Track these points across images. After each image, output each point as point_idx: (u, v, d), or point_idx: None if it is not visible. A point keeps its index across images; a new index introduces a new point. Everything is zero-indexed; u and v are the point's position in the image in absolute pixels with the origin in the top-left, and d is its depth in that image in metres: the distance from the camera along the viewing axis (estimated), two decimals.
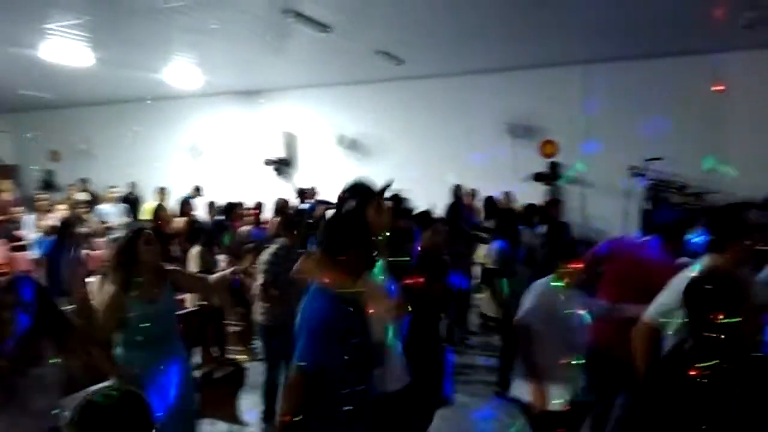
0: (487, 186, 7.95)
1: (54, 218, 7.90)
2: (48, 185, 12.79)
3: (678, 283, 2.41)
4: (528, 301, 2.98)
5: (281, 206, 8.99)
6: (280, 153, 11.02)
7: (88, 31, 6.83)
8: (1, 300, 2.43)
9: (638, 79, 8.44)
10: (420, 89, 9.86)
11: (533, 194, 7.80)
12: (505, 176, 8.90)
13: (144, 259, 3.04)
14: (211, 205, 9.01)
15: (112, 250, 3.17)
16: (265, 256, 4.27)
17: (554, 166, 9.09)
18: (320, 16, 6.12)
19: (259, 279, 4.24)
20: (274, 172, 11.03)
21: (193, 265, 5.55)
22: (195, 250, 5.72)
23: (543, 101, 9.00)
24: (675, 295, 2.22)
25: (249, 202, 8.61)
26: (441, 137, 9.77)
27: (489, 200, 7.09)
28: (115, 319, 2.96)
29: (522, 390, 2.97)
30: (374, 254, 2.27)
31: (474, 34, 7.13)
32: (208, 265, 5.49)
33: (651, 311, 2.55)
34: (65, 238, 5.95)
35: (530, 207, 6.37)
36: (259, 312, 4.39)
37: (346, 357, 2.07)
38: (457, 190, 7.60)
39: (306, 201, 9.55)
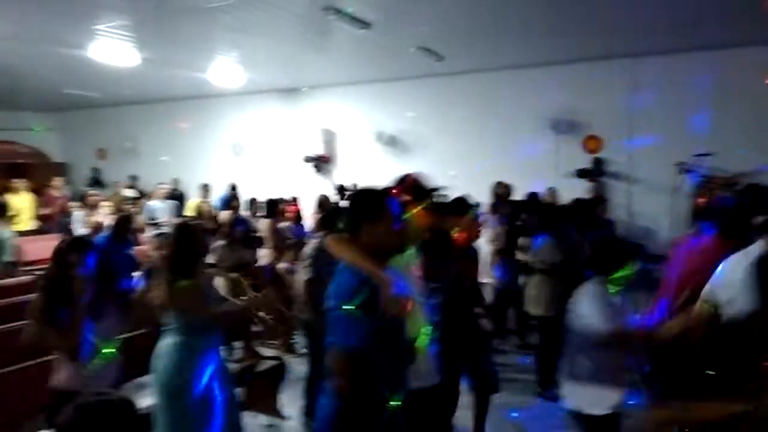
0: (528, 183, 7.80)
1: (102, 214, 8.16)
2: (96, 182, 13.21)
3: (732, 265, 2.44)
4: (590, 307, 2.80)
5: (322, 203, 9.07)
6: (320, 150, 11.10)
7: (135, 32, 6.99)
8: (68, 258, 2.83)
9: (685, 73, 8.15)
10: (460, 85, 9.76)
11: (576, 191, 7.61)
12: (548, 173, 8.75)
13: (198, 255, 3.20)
14: (253, 201, 9.13)
15: (170, 241, 3.29)
16: (308, 250, 4.30)
17: (598, 162, 8.87)
18: (360, 13, 6.11)
19: (303, 274, 4.27)
20: (314, 169, 11.13)
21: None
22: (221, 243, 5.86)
23: (586, 96, 8.79)
24: (732, 276, 2.23)
25: (289, 199, 8.70)
26: (481, 133, 9.66)
27: (532, 196, 6.95)
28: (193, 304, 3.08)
29: (573, 393, 2.90)
30: (398, 239, 2.24)
31: (515, 28, 7.01)
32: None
33: (707, 293, 2.54)
34: (120, 233, 6.11)
35: (576, 202, 6.24)
36: (302, 307, 4.42)
37: (379, 340, 2.06)
38: (498, 187, 7.48)
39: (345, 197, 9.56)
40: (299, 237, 7.16)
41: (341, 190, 9.57)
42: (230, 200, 8.72)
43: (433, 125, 10.05)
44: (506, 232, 6.13)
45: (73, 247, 3.10)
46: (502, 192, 7.37)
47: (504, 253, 5.95)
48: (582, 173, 8.82)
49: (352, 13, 6.07)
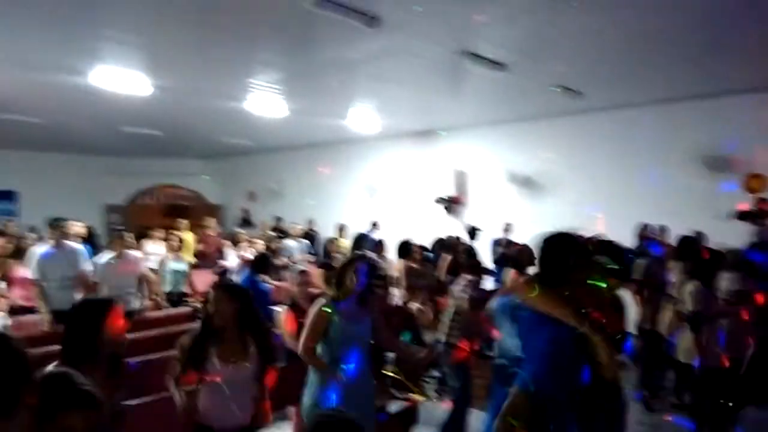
0: (677, 225, 7.18)
1: (250, 252, 8.81)
2: (245, 222, 14.33)
3: None
4: None
5: (453, 244, 9.05)
6: (452, 191, 11.15)
7: (285, 85, 7.62)
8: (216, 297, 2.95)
9: None
10: (600, 122, 9.31)
11: (734, 235, 6.85)
12: (700, 214, 7.96)
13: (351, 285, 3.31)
14: (380, 243, 9.40)
15: (335, 272, 3.48)
16: (457, 291, 4.29)
17: (763, 202, 7.94)
18: (495, 55, 6.13)
19: (449, 316, 4.25)
20: (445, 210, 11.18)
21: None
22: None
23: (748, 130, 7.96)
24: None
25: (420, 240, 8.79)
26: (624, 172, 9.07)
27: (685, 239, 6.36)
28: (319, 335, 3.21)
29: None
30: (595, 292, 2.18)
31: (662, 61, 6.58)
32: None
33: None
34: (258, 269, 6.56)
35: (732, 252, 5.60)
36: (445, 350, 4.37)
37: (570, 386, 2.00)
38: (644, 230, 6.97)
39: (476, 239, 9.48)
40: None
41: (473, 231, 9.49)
42: (358, 241, 9.02)
43: (570, 164, 9.67)
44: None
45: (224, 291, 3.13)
46: (648, 235, 6.86)
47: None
48: (743, 215, 7.94)
49: (487, 56, 6.11)
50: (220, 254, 10.29)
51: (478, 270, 4.53)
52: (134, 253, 6.74)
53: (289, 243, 10.44)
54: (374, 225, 10.80)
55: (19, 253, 6.78)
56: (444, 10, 4.85)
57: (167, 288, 7.38)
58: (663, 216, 7.44)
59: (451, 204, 11.13)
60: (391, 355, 6.07)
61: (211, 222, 11.79)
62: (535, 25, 5.30)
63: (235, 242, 9.78)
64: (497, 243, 9.15)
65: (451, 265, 8.33)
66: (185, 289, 7.66)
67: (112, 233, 7.57)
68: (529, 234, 7.47)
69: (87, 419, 1.69)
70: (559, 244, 2.27)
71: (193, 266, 10.51)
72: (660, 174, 8.68)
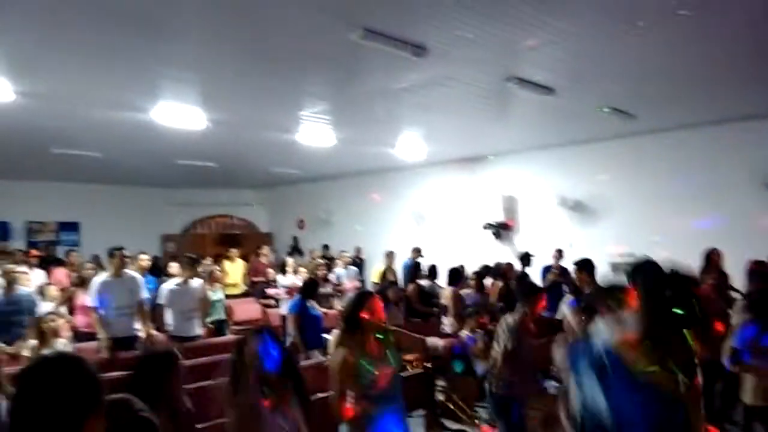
0: (737, 251, 6.81)
1: (299, 279, 8.92)
2: (294, 250, 14.56)
3: None
4: None
5: (504, 271, 8.92)
6: (499, 216, 11.02)
7: (333, 115, 7.77)
8: (245, 349, 2.82)
9: None
10: (654, 144, 9.01)
11: None
12: (757, 237, 7.56)
13: (368, 323, 3.16)
14: (434, 268, 9.37)
15: (341, 315, 3.39)
16: (508, 323, 4.18)
17: None
18: (543, 79, 6.08)
19: (500, 346, 4.15)
20: (493, 236, 11.04)
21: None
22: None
23: None
24: None
25: (469, 266, 8.70)
26: (680, 195, 8.71)
27: (756, 265, 6.01)
28: (348, 380, 3.10)
29: None
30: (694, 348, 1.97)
31: (720, 79, 6.33)
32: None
33: None
34: (308, 295, 6.65)
35: None
36: (495, 381, 4.26)
37: None
38: (713, 254, 6.66)
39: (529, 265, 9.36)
40: (476, 305, 7.11)
41: (526, 258, 9.33)
42: (411, 270, 9.03)
43: (623, 187, 9.40)
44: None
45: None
46: (715, 260, 6.57)
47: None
48: None
49: (535, 81, 6.08)
50: (269, 282, 10.48)
51: (535, 298, 4.31)
52: (198, 280, 6.99)
53: (338, 270, 10.52)
54: (416, 252, 10.77)
55: (82, 282, 7.07)
56: (491, 37, 4.86)
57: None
58: (720, 240, 7.11)
59: (500, 230, 11.00)
60: (441, 383, 6.01)
61: (262, 250, 12.04)
62: (583, 48, 5.24)
63: (284, 270, 9.94)
64: (548, 270, 8.95)
65: (502, 291, 8.21)
66: (224, 316, 7.89)
67: (181, 260, 7.85)
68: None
69: None
70: (659, 281, 2.02)
71: (243, 294, 10.76)
72: (715, 196, 8.33)
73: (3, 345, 5.61)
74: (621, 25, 4.64)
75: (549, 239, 9.80)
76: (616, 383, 1.95)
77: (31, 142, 8.90)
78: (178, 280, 6.80)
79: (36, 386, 1.41)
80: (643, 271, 2.24)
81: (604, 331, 2.11)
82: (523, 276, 8.58)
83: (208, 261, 9.97)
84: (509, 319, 4.18)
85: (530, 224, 10.78)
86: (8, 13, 4.21)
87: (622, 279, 2.59)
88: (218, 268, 9.35)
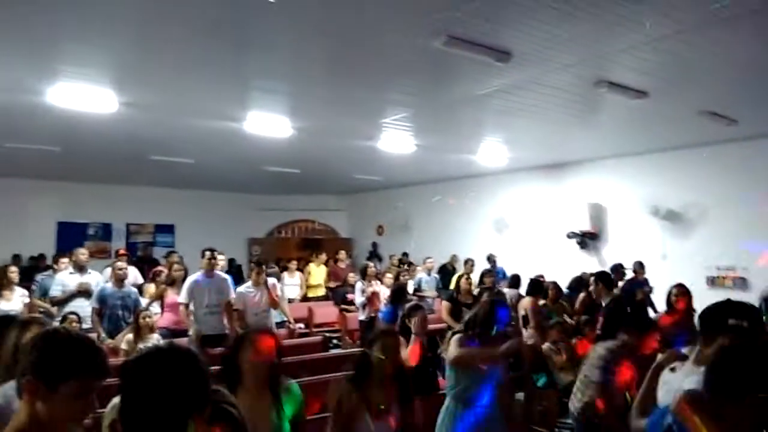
0: None
1: (377, 285, 8.98)
2: (374, 256, 14.71)
3: None
4: None
5: (588, 282, 8.52)
6: (585, 225, 10.59)
7: (413, 122, 7.78)
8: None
9: None
10: (757, 150, 8.38)
11: None
12: None
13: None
14: (516, 278, 9.14)
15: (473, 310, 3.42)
16: (600, 354, 3.77)
17: None
18: (635, 82, 5.80)
19: (594, 375, 3.89)
20: (578, 245, 10.64)
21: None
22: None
23: None
24: None
25: (553, 276, 8.41)
26: None
27: None
28: None
29: None
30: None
31: None
32: None
33: None
34: (398, 301, 6.69)
35: None
36: (579, 405, 4.02)
37: None
38: None
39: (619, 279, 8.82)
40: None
41: (619, 270, 8.69)
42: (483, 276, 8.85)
43: (721, 196, 8.75)
44: None
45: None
46: None
47: None
48: None
49: (627, 84, 5.81)
50: (349, 287, 10.63)
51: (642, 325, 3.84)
52: (271, 281, 7.17)
53: (420, 275, 10.50)
54: (490, 259, 10.57)
55: (172, 282, 7.42)
56: (577, 40, 4.70)
57: None
58: None
59: (585, 239, 10.57)
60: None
61: (342, 255, 12.26)
62: (678, 49, 4.95)
63: (364, 275, 10.05)
64: (638, 285, 8.45)
65: (585, 302, 7.83)
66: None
67: (252, 264, 8.10)
68: (674, 272, 6.85)
69: None
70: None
71: (322, 297, 10.99)
72: None
73: (105, 336, 6.06)
74: (720, 25, 4.35)
75: (639, 250, 9.31)
76: None
77: (132, 150, 9.52)
78: (249, 283, 6.95)
79: (149, 376, 1.42)
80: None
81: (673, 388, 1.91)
82: (633, 298, 7.62)
83: (294, 265, 10.26)
84: (602, 349, 3.78)
85: (619, 234, 10.29)
86: (116, 29, 4.54)
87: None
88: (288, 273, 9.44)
